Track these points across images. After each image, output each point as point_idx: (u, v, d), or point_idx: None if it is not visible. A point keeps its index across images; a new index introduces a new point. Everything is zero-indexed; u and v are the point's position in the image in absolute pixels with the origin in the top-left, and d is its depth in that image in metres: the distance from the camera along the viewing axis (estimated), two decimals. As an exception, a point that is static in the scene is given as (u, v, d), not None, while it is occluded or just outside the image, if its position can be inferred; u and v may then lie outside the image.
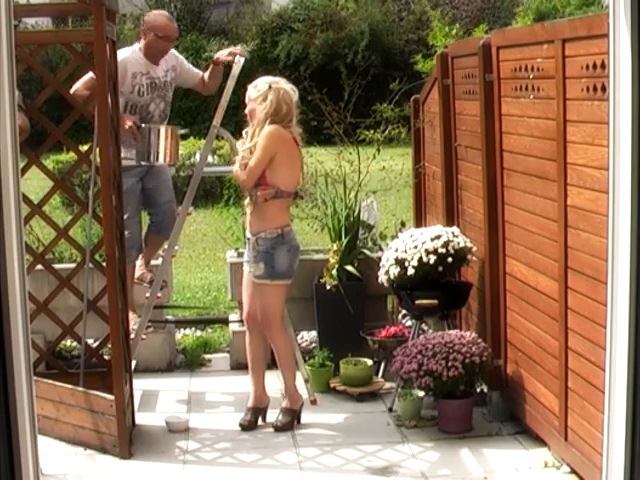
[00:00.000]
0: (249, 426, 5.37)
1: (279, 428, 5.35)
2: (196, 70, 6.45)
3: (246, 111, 5.31)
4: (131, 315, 5.95)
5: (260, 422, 5.44)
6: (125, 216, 5.79)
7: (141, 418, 5.48)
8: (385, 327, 6.19)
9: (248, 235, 5.39)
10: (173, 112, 6.76)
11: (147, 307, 5.86)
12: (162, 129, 5.92)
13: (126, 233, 5.73)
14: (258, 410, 5.43)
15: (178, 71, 6.25)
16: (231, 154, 5.82)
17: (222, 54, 6.07)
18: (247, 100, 5.30)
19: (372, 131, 6.71)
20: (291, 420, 5.39)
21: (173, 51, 6.27)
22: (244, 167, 5.23)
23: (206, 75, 6.31)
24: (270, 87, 5.21)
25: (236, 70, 5.75)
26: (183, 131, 6.21)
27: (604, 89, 3.87)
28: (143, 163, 5.98)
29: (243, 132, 5.38)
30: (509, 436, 5.17)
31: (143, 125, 5.90)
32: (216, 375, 6.45)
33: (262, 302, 5.35)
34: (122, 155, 5.59)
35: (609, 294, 3.07)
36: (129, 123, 5.81)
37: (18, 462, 2.79)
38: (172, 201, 6.34)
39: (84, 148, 6.03)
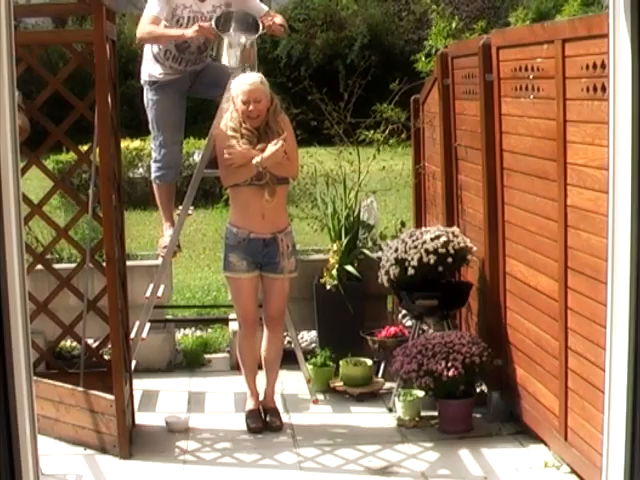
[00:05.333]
0: (262, 428, 5.33)
1: (279, 427, 5.34)
2: (263, 6, 6.01)
3: (259, 110, 5.12)
4: (168, 227, 6.06)
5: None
6: (160, 139, 5.85)
7: (141, 418, 5.48)
8: (385, 327, 6.19)
9: (262, 236, 5.19)
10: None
11: (147, 307, 5.87)
12: (232, 31, 5.71)
13: (162, 153, 5.82)
14: (260, 411, 5.42)
15: (233, 6, 5.92)
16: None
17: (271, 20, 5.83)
18: (260, 99, 5.12)
19: (372, 131, 6.71)
20: (280, 416, 5.41)
21: None
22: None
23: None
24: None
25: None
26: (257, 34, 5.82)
27: (604, 89, 3.87)
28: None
29: (229, 129, 5.20)
30: (509, 436, 5.16)
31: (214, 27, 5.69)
32: (216, 375, 6.44)
33: (283, 297, 5.35)
34: (159, 71, 5.73)
35: (609, 294, 3.06)
36: (205, 24, 5.65)
37: (18, 462, 2.79)
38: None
39: (84, 148, 6.03)
